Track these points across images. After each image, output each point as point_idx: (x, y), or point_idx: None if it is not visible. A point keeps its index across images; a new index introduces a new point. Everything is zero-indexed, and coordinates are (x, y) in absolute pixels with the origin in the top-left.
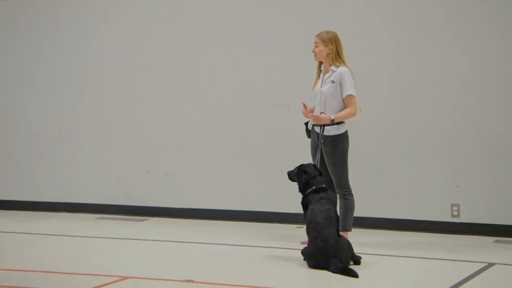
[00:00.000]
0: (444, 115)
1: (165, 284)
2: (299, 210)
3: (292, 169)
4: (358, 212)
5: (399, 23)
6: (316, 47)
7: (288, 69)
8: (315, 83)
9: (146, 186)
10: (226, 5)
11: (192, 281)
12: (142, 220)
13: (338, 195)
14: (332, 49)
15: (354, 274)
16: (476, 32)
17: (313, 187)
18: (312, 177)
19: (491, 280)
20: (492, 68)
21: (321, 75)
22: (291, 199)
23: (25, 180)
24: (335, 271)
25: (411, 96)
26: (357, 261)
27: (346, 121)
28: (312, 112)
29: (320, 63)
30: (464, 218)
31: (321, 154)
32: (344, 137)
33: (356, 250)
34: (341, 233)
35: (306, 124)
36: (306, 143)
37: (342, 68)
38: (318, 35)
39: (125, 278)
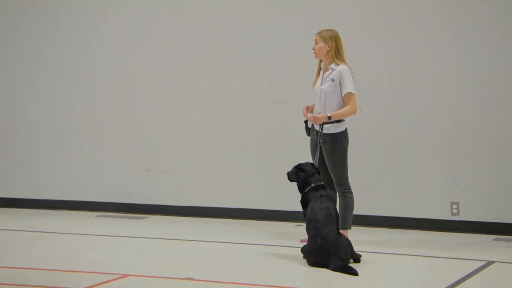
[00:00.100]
0: (444, 115)
1: (165, 282)
2: (299, 208)
3: (290, 169)
4: (358, 210)
5: (399, 23)
6: (316, 44)
7: (288, 69)
8: (315, 81)
9: (146, 184)
10: (226, 5)
11: (192, 279)
12: (142, 218)
13: (337, 193)
14: (332, 47)
15: (354, 272)
16: (476, 32)
17: (312, 185)
18: (310, 175)
19: (491, 278)
20: (492, 68)
21: (321, 73)
22: (290, 197)
23: (25, 180)
24: (335, 269)
25: (411, 96)
26: (357, 259)
27: (346, 119)
28: (313, 110)
29: (320, 61)
30: (463, 216)
31: (321, 153)
32: (343, 135)
33: (356, 248)
34: (340, 231)
35: (306, 122)
36: (306, 141)
37: (341, 66)
38: (318, 33)
39: (125, 276)
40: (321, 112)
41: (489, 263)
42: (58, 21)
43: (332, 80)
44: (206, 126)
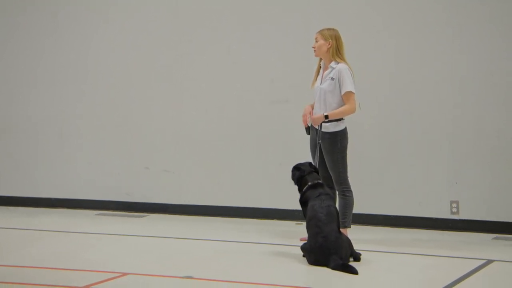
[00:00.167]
0: (444, 115)
1: (164, 280)
2: (298, 207)
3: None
4: (358, 209)
5: (399, 23)
6: (317, 42)
7: (288, 69)
8: (315, 80)
9: (145, 183)
10: (226, 5)
11: (191, 278)
12: (141, 217)
13: (337, 192)
14: (332, 45)
15: (353, 271)
16: (476, 32)
17: (309, 183)
18: (307, 173)
19: (490, 277)
20: (492, 68)
21: (321, 71)
22: (290, 196)
23: (25, 180)
24: (335, 267)
25: (411, 96)
26: (357, 257)
27: (345, 118)
28: (313, 109)
29: (320, 60)
30: (463, 215)
31: (321, 151)
32: (343, 134)
33: (356, 247)
34: (340, 229)
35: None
36: (306, 141)
37: (341, 65)
38: (319, 31)
39: (125, 274)
40: (321, 111)
41: (489, 261)
42: (58, 21)
43: (332, 79)
44: (206, 126)
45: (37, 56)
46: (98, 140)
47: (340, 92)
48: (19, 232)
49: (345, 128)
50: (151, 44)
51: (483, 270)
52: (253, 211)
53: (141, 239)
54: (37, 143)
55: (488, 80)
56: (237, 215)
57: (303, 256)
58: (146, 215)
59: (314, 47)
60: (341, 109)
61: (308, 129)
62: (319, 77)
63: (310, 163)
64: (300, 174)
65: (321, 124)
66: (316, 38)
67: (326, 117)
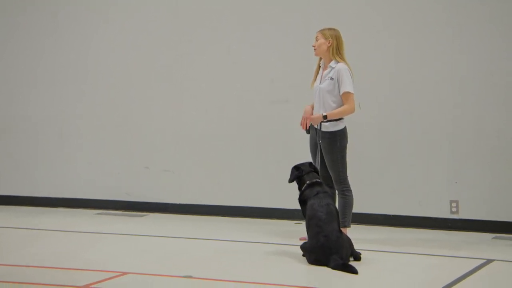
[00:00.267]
0: (444, 115)
1: (164, 279)
2: (298, 206)
3: None
4: (358, 208)
5: (399, 23)
6: (317, 40)
7: (288, 69)
8: (314, 80)
9: (145, 182)
10: (226, 5)
11: (191, 277)
12: (141, 216)
13: (337, 191)
14: (332, 44)
15: (353, 271)
16: (476, 32)
17: (307, 182)
18: (305, 173)
19: (490, 277)
20: (492, 68)
21: (320, 71)
22: (290, 195)
23: (25, 179)
24: (335, 267)
25: (411, 96)
26: (357, 257)
27: (345, 118)
28: (312, 108)
29: (320, 59)
30: (463, 215)
31: (321, 151)
32: (342, 133)
33: (356, 247)
34: (340, 229)
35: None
36: (306, 140)
37: (340, 65)
38: (320, 30)
39: (124, 273)
40: (320, 111)
41: (488, 261)
42: (58, 21)
43: (331, 78)
44: (206, 126)
45: (37, 56)
46: (98, 140)
47: (339, 92)
48: (19, 231)
49: (345, 128)
50: (151, 44)
51: (482, 270)
52: (253, 210)
53: (141, 239)
54: (37, 143)
55: (488, 80)
56: (237, 215)
57: (303, 255)
58: (146, 215)
59: (314, 46)
60: (340, 109)
61: (308, 129)
62: (319, 77)
63: (310, 163)
64: (298, 173)
65: (320, 124)
66: (316, 37)
67: (325, 117)
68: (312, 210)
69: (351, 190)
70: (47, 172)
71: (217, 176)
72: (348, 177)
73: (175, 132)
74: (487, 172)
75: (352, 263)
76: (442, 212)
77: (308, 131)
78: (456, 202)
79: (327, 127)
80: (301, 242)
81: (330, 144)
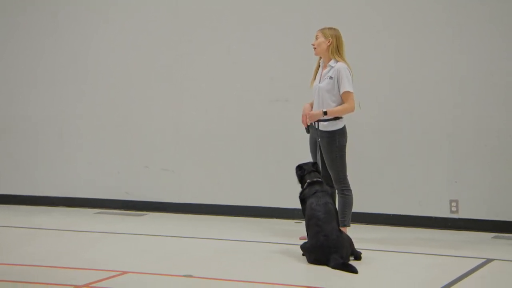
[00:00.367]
0: (444, 115)
1: (164, 279)
2: (298, 205)
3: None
4: (358, 208)
5: (399, 23)
6: (317, 39)
7: (288, 69)
8: (313, 79)
9: (145, 182)
10: (226, 5)
11: (191, 276)
12: (141, 215)
13: (336, 191)
14: (332, 43)
15: (353, 270)
16: (476, 32)
17: (308, 181)
18: (307, 172)
19: (490, 276)
20: (492, 68)
21: (320, 70)
22: (290, 194)
23: (25, 179)
24: (335, 266)
25: (411, 96)
26: (357, 256)
27: (345, 117)
28: (311, 106)
29: (320, 58)
30: (462, 214)
31: (321, 151)
32: (341, 132)
33: (356, 246)
34: (340, 228)
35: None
36: (306, 140)
37: (340, 64)
38: (320, 29)
39: (124, 273)
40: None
41: (488, 260)
42: (58, 21)
43: (331, 77)
44: (206, 126)
45: (37, 56)
46: (98, 140)
47: (339, 91)
48: (19, 230)
49: (344, 127)
50: (151, 44)
51: (482, 269)
52: (252, 210)
53: (140, 238)
54: (37, 143)
55: (488, 80)
56: (237, 214)
57: (303, 255)
58: (146, 214)
59: (313, 45)
60: (340, 107)
61: (308, 128)
62: (318, 76)
63: (313, 163)
64: (301, 173)
65: (318, 122)
66: (316, 35)
67: (325, 113)
68: (311, 210)
69: (350, 190)
70: (47, 171)
71: (217, 176)
72: (347, 177)
73: (175, 132)
74: (487, 172)
75: (353, 262)
76: (442, 211)
77: (308, 131)
78: (456, 201)
79: (326, 126)
80: (301, 242)
81: (329, 143)
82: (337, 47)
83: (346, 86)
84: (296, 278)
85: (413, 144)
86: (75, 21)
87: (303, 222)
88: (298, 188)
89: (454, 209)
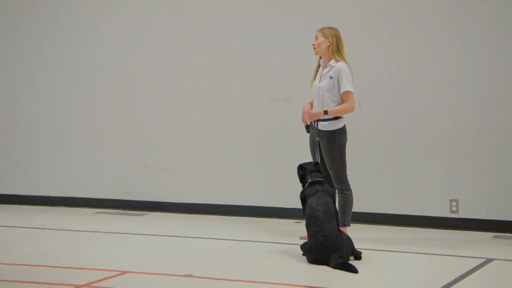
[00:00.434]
0: (444, 115)
1: (164, 278)
2: (298, 205)
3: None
4: (358, 207)
5: (399, 23)
6: (317, 39)
7: (288, 69)
8: (314, 79)
9: (145, 182)
10: (226, 5)
11: (191, 276)
12: (141, 215)
13: (336, 191)
14: (332, 42)
15: (353, 270)
16: (476, 32)
17: (309, 181)
18: (309, 172)
19: (490, 276)
20: (492, 68)
21: (320, 70)
22: (290, 194)
23: (25, 179)
24: (335, 266)
25: (411, 96)
26: (357, 256)
27: (344, 117)
28: (311, 106)
29: (320, 58)
30: (463, 214)
31: (321, 151)
32: (341, 132)
33: (356, 246)
34: (340, 228)
35: None
36: (306, 140)
37: (340, 64)
38: (320, 29)
39: (124, 272)
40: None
41: (488, 260)
42: (58, 21)
43: (331, 77)
44: (206, 126)
45: (37, 56)
46: (98, 140)
47: (339, 91)
48: (19, 230)
49: (344, 127)
50: (151, 44)
51: (482, 269)
52: (253, 209)
53: (140, 238)
54: (37, 143)
55: (488, 80)
56: (237, 214)
57: (303, 255)
58: (146, 214)
59: (313, 45)
60: (340, 107)
61: (308, 128)
62: (318, 75)
63: (315, 163)
64: (302, 172)
65: (317, 122)
66: (316, 35)
67: (326, 112)
68: (311, 209)
69: (350, 189)
70: (47, 171)
71: (217, 176)
72: (347, 176)
73: (175, 132)
74: (487, 171)
75: (353, 262)
76: (442, 211)
77: (308, 130)
78: (456, 201)
79: (326, 126)
80: (301, 241)
81: (328, 143)
82: (337, 47)
83: (346, 86)
84: (296, 278)
85: (413, 144)
86: (75, 21)
87: (303, 222)
88: (298, 188)
89: (454, 209)
